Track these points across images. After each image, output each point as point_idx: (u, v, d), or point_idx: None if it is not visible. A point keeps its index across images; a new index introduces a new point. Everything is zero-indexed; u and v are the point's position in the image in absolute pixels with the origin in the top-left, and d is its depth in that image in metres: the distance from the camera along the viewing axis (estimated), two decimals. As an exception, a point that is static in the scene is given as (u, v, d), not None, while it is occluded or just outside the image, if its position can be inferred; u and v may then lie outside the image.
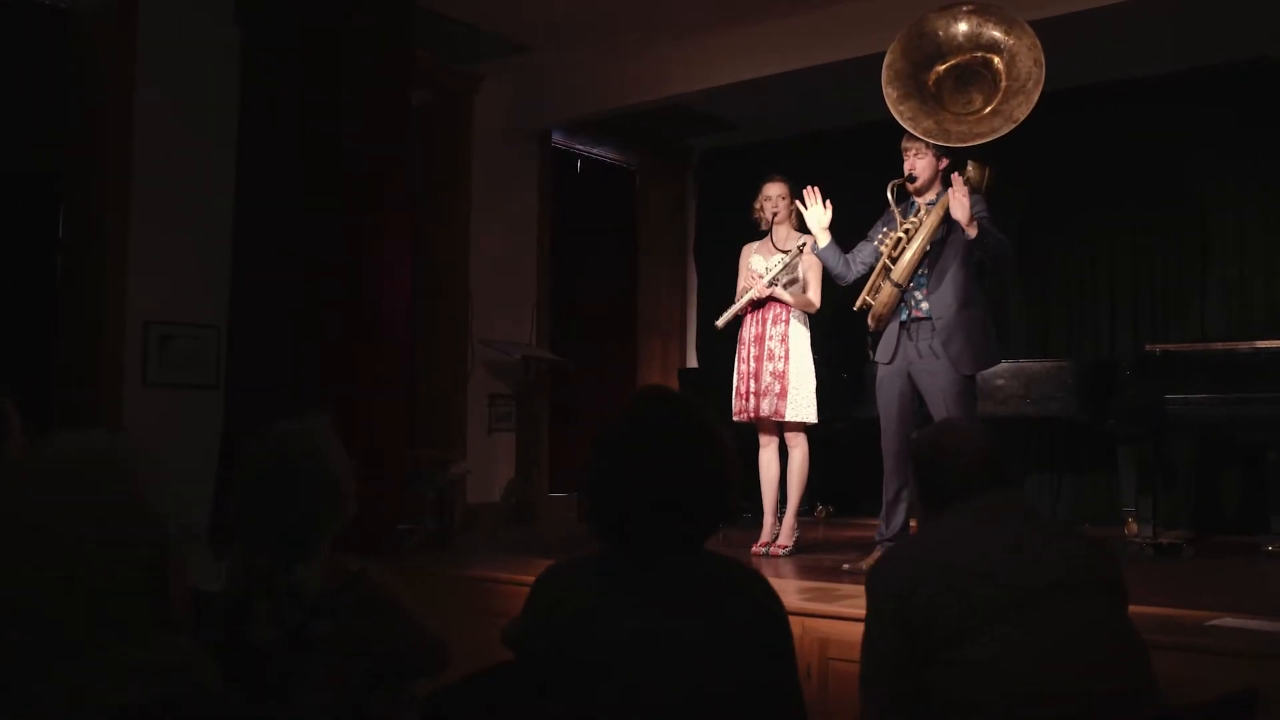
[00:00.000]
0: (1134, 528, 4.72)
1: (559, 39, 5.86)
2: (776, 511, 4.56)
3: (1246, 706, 1.65)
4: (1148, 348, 4.86)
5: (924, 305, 3.99)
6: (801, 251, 4.37)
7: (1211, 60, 5.65)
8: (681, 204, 7.64)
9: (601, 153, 7.34)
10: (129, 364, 4.72)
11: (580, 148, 7.17)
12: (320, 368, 4.55)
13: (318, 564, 1.91)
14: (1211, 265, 5.80)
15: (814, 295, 4.48)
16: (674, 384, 6.64)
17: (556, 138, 6.86)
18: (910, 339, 4.01)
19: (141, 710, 0.90)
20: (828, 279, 4.39)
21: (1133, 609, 3.14)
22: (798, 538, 4.54)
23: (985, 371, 4.68)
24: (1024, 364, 5.09)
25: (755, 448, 4.59)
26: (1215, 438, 5.36)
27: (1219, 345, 4.69)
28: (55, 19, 4.75)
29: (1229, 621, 2.95)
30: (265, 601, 1.85)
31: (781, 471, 4.54)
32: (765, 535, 4.53)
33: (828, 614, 3.31)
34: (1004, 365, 5.03)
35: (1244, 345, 4.59)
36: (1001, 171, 5.98)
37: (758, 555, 4.43)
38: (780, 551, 4.41)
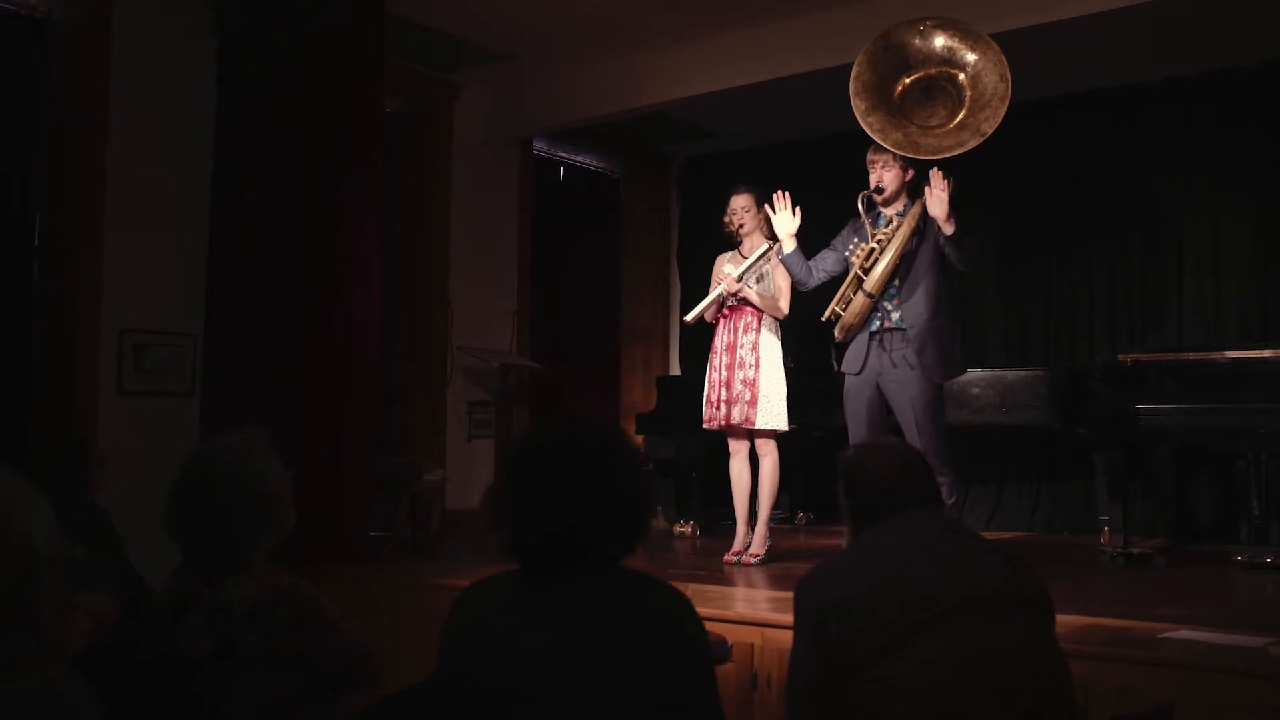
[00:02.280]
0: (1109, 536, 4.72)
1: (538, 48, 5.88)
2: (749, 520, 4.56)
3: (1160, 723, 1.66)
4: (1119, 357, 4.86)
5: (895, 315, 4.01)
6: (769, 251, 4.40)
7: (1187, 71, 5.67)
8: (663, 211, 7.66)
9: (584, 160, 7.36)
10: (104, 372, 4.73)
11: (562, 155, 7.19)
12: (293, 376, 4.56)
13: (250, 577, 1.92)
14: (1187, 275, 5.81)
15: (783, 301, 4.50)
16: (652, 392, 6.65)
17: (538, 146, 6.88)
18: (883, 349, 4.02)
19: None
20: (791, 291, 4.42)
21: (1087, 620, 3.19)
22: (770, 546, 4.55)
23: (961, 380, 4.71)
24: (999, 373, 5.10)
25: (724, 457, 4.61)
26: (1189, 447, 5.37)
27: (1190, 355, 4.69)
28: (32, 29, 4.76)
29: (1184, 634, 2.96)
30: (195, 614, 1.86)
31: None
32: (737, 544, 4.55)
33: (788, 625, 3.31)
34: (979, 374, 5.05)
35: (1215, 355, 4.58)
36: (979, 182, 6.03)
37: (729, 564, 4.44)
38: (752, 560, 4.43)
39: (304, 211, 4.64)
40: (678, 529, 5.90)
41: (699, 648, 1.64)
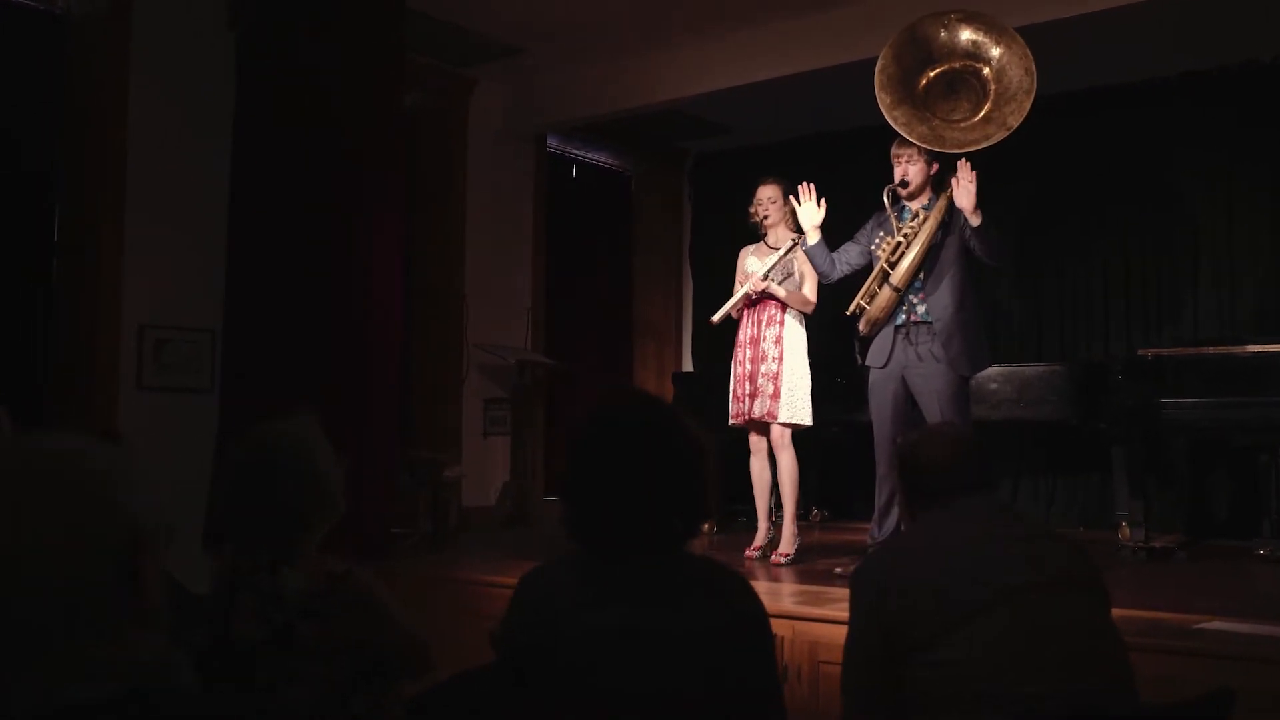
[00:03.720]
0: (1127, 532, 4.72)
1: (552, 43, 5.88)
2: (770, 516, 4.55)
3: (1223, 706, 1.66)
4: (1140, 351, 4.87)
5: (920, 309, 4.01)
6: (794, 247, 4.35)
7: (1204, 65, 5.68)
8: (677, 208, 7.66)
9: (597, 157, 7.36)
10: (123, 367, 4.72)
11: (575, 152, 7.19)
12: (313, 371, 4.56)
13: (304, 564, 1.92)
14: (1203, 269, 5.81)
15: (810, 293, 4.44)
16: (668, 388, 6.65)
17: (551, 142, 6.88)
18: (909, 343, 4.02)
19: (112, 706, 0.90)
20: None
21: (1121, 612, 3.16)
22: (800, 544, 4.46)
23: (979, 375, 4.71)
24: (1017, 367, 5.10)
25: (739, 452, 4.56)
26: (1209, 441, 5.37)
27: (1210, 349, 4.69)
28: (51, 24, 4.76)
29: (1217, 625, 2.96)
30: (250, 601, 1.86)
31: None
32: (759, 539, 4.53)
33: (818, 617, 3.33)
34: (997, 369, 5.05)
35: (1236, 349, 4.59)
36: (997, 176, 6.02)
37: (751, 559, 4.43)
38: (782, 560, 4.35)
39: (323, 206, 4.65)
40: (695, 524, 5.89)
41: (762, 629, 1.64)
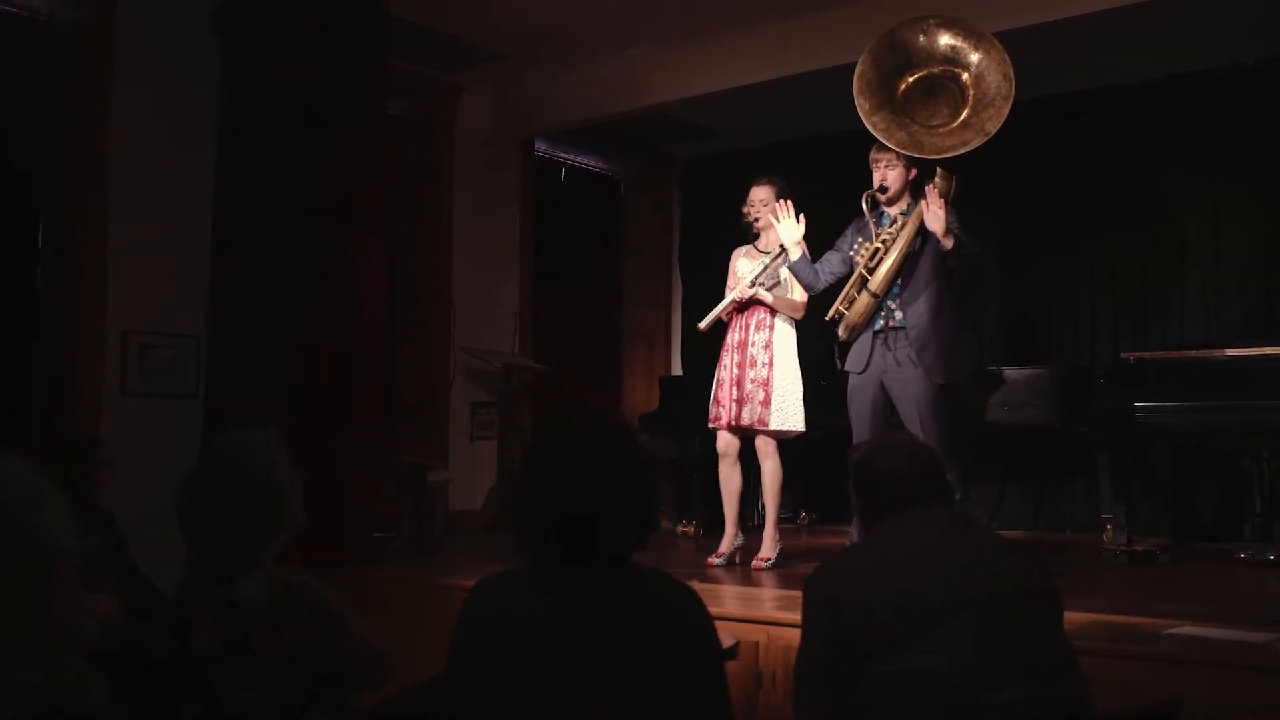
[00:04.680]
0: (1111, 535, 4.73)
1: (539, 49, 5.89)
2: (738, 523, 4.51)
3: (1171, 715, 1.66)
4: (1122, 355, 4.87)
5: (898, 315, 4.02)
6: (783, 252, 4.27)
7: (1191, 68, 5.68)
8: (666, 211, 7.67)
9: (585, 161, 7.37)
10: (107, 374, 4.74)
11: (564, 156, 7.20)
12: (297, 376, 4.58)
13: (261, 575, 1.93)
14: (1190, 273, 5.82)
15: (799, 298, 4.38)
16: (654, 392, 6.66)
17: (540, 147, 6.89)
18: (888, 348, 4.02)
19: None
20: None
21: (1093, 616, 3.20)
22: (781, 549, 4.43)
23: (964, 379, 4.72)
24: (1002, 371, 5.10)
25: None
26: (1193, 445, 5.37)
27: (1192, 353, 4.69)
28: (35, 31, 4.77)
29: (1187, 630, 2.97)
30: (207, 612, 1.87)
31: (746, 483, 4.45)
32: (724, 546, 4.47)
33: (793, 623, 3.32)
34: (982, 372, 5.05)
35: (1218, 353, 4.59)
36: (983, 180, 6.03)
37: (713, 566, 4.37)
38: (763, 565, 4.32)
39: (308, 212, 4.66)
40: (680, 529, 5.90)
41: (711, 642, 1.66)
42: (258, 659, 1.84)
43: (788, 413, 4.31)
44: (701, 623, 1.65)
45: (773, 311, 4.39)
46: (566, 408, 1.68)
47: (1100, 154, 6.01)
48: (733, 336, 4.46)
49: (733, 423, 4.37)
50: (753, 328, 4.40)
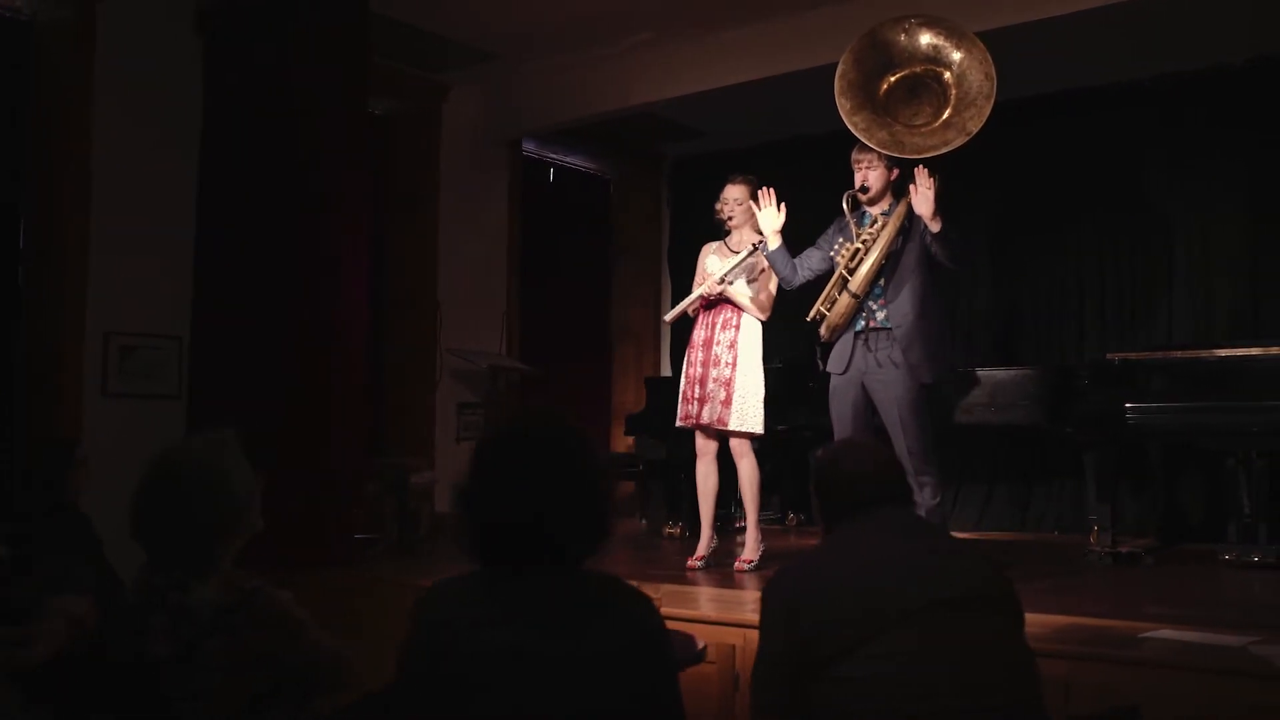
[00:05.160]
0: (1097, 536, 4.71)
1: (526, 48, 5.87)
2: (714, 525, 4.46)
3: (1128, 722, 1.65)
4: (1108, 356, 4.86)
5: (880, 315, 4.00)
6: (756, 250, 4.24)
7: (1175, 68, 5.67)
8: (655, 211, 7.66)
9: (575, 161, 7.35)
10: (89, 375, 4.71)
11: (553, 156, 7.18)
12: (279, 378, 4.56)
13: (216, 580, 1.91)
14: (1177, 273, 5.81)
15: (766, 299, 4.34)
16: (644, 393, 6.64)
17: (528, 147, 6.87)
18: (869, 349, 4.00)
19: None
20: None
21: (1069, 619, 3.18)
22: (764, 550, 4.38)
23: (950, 380, 4.71)
24: (988, 372, 5.08)
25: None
26: (1180, 445, 5.35)
27: (1178, 353, 4.68)
28: (18, 30, 4.76)
29: (1165, 633, 2.95)
30: (161, 617, 1.85)
31: (723, 484, 4.41)
32: (702, 549, 4.42)
33: (770, 625, 3.31)
34: (969, 373, 5.04)
35: (1203, 353, 4.58)
36: (968, 180, 6.02)
37: (694, 569, 4.33)
38: (746, 566, 4.28)
39: (290, 211, 4.64)
40: (667, 530, 5.88)
41: (661, 647, 1.64)
42: (206, 664, 1.82)
43: (747, 414, 4.25)
44: (653, 630, 1.63)
45: (739, 311, 4.35)
46: (516, 409, 1.64)
47: (1087, 154, 5.99)
48: (699, 334, 4.42)
49: (695, 420, 4.33)
50: (719, 326, 4.36)
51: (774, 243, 4.15)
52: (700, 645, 2.48)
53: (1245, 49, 5.45)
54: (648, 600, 1.66)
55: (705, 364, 4.34)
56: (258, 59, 4.81)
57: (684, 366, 4.47)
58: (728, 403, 4.25)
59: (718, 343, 4.33)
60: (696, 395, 4.34)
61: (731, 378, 4.27)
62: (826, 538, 1.93)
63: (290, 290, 4.62)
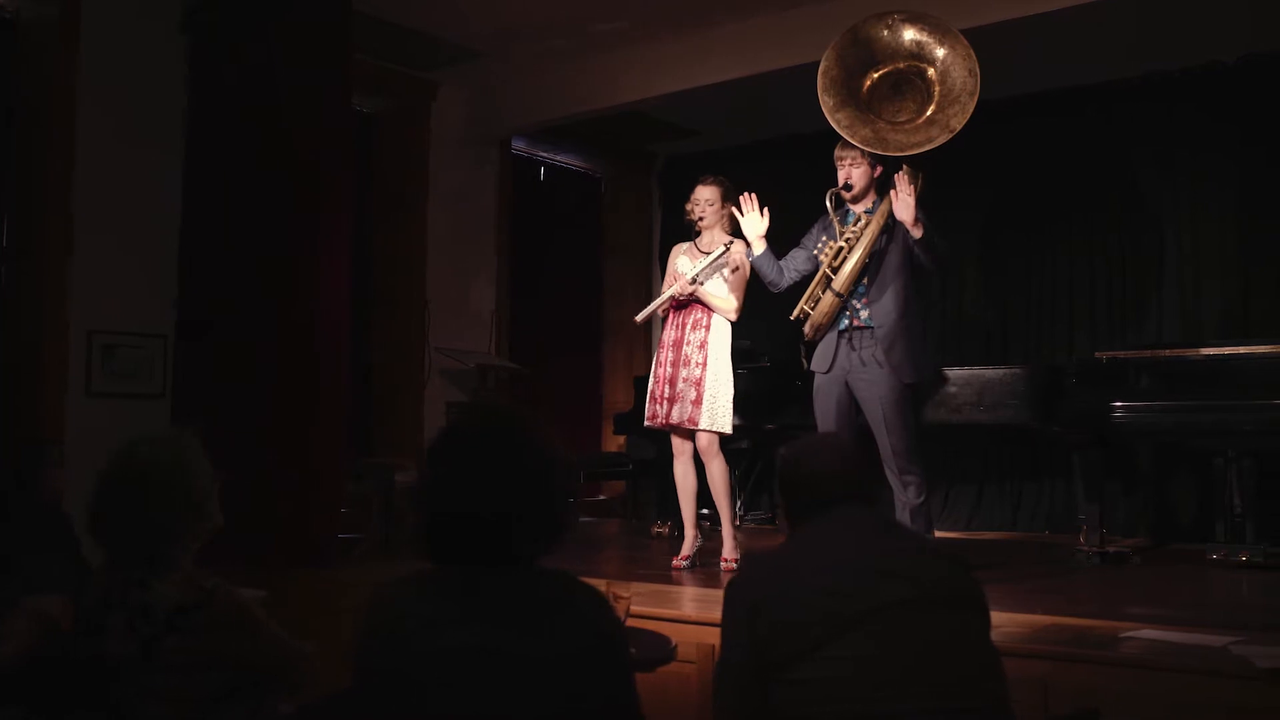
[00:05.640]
0: (1086, 536, 4.68)
1: (515, 46, 5.85)
2: (697, 523, 4.43)
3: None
4: (1096, 355, 4.83)
5: (864, 314, 3.97)
6: (726, 251, 4.22)
7: (1167, 66, 5.64)
8: (646, 211, 7.64)
9: (565, 160, 7.33)
10: (72, 374, 4.69)
11: (543, 155, 7.16)
12: (263, 377, 4.54)
13: (175, 578, 1.89)
14: (1168, 272, 5.78)
15: (736, 301, 4.29)
16: (631, 391, 6.62)
17: (518, 145, 6.85)
18: (853, 348, 3.98)
19: None
20: (760, 287, 4.31)
21: (1051, 619, 3.16)
22: (751, 549, 4.36)
23: (938, 379, 4.68)
24: (976, 371, 5.03)
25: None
26: (1170, 445, 5.33)
27: (1166, 352, 4.64)
28: (1, 28, 4.73)
29: (1147, 633, 2.92)
30: (119, 616, 1.83)
31: (705, 482, 4.38)
32: (686, 548, 4.39)
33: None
34: (957, 372, 5.00)
35: (1191, 352, 4.55)
36: (960, 179, 6.00)
37: (679, 569, 4.29)
38: (733, 564, 4.24)
39: (273, 210, 4.62)
40: (655, 529, 5.86)
41: (618, 648, 1.61)
42: (162, 664, 1.80)
43: (717, 414, 4.23)
44: (608, 629, 1.60)
45: (710, 311, 4.32)
46: (471, 403, 1.60)
47: (1077, 152, 5.97)
48: (669, 335, 4.39)
49: (664, 421, 4.31)
50: (689, 327, 4.33)
51: (759, 248, 4.12)
52: (672, 645, 2.45)
53: (1236, 47, 5.42)
54: (603, 599, 1.63)
55: (675, 364, 4.31)
56: (242, 57, 4.79)
57: (653, 366, 4.45)
58: (698, 402, 4.22)
59: (688, 343, 4.31)
60: (666, 395, 4.31)
61: (701, 378, 4.24)
62: (788, 538, 1.90)
63: (274, 289, 4.60)
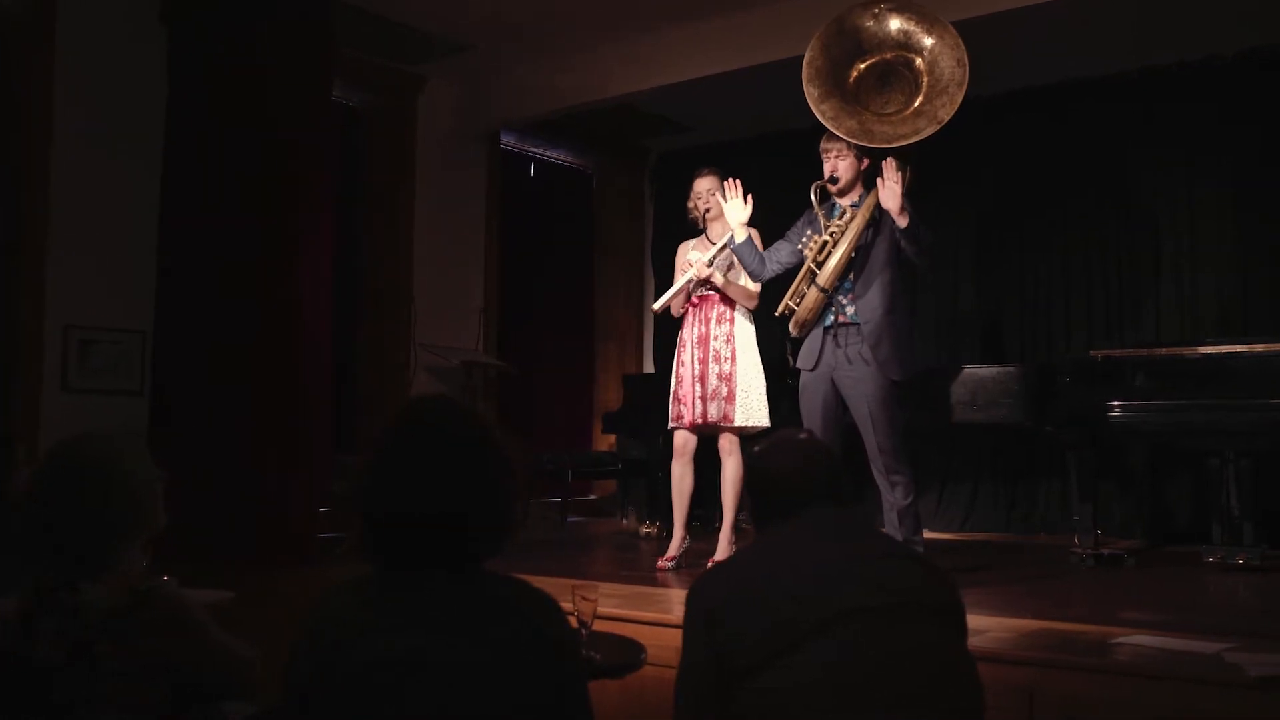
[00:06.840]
0: (1081, 537, 4.59)
1: (503, 39, 5.77)
2: (687, 525, 4.35)
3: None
4: (1090, 353, 4.74)
5: (849, 310, 3.88)
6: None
7: (1164, 61, 5.56)
8: (639, 207, 7.56)
9: (556, 155, 7.25)
10: (48, 370, 4.62)
11: (534, 150, 7.08)
12: (242, 374, 4.46)
13: (110, 580, 1.80)
14: (1165, 269, 5.69)
15: (754, 285, 4.23)
16: (621, 391, 6.54)
17: (508, 140, 6.77)
18: (838, 345, 3.89)
19: None
20: None
21: (1040, 624, 3.07)
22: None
23: (931, 377, 4.60)
24: (971, 370, 4.96)
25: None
26: (1166, 445, 5.24)
27: (1162, 350, 4.56)
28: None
29: (1139, 639, 2.83)
30: (49, 620, 1.75)
31: (704, 484, 4.29)
32: (673, 549, 4.30)
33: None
34: (951, 370, 4.92)
35: (1187, 350, 4.47)
36: (954, 174, 5.92)
37: (664, 570, 4.20)
38: None
39: (254, 205, 4.55)
40: (644, 530, 5.78)
41: (568, 654, 1.53)
42: (101, 669, 1.72)
43: (752, 408, 4.18)
44: (558, 634, 1.52)
45: (731, 304, 4.25)
46: (416, 398, 1.51)
47: (1074, 148, 5.88)
48: (692, 331, 4.30)
49: (698, 420, 4.20)
50: (713, 321, 4.25)
51: (741, 235, 4.05)
52: (642, 651, 2.37)
53: (1234, 42, 5.33)
54: (553, 604, 1.55)
55: (704, 360, 4.21)
56: (222, 51, 4.71)
57: (674, 366, 4.34)
58: (731, 398, 4.15)
59: (715, 337, 4.23)
60: (698, 394, 4.20)
61: (733, 372, 4.18)
62: (754, 541, 1.82)
63: (255, 285, 4.52)
